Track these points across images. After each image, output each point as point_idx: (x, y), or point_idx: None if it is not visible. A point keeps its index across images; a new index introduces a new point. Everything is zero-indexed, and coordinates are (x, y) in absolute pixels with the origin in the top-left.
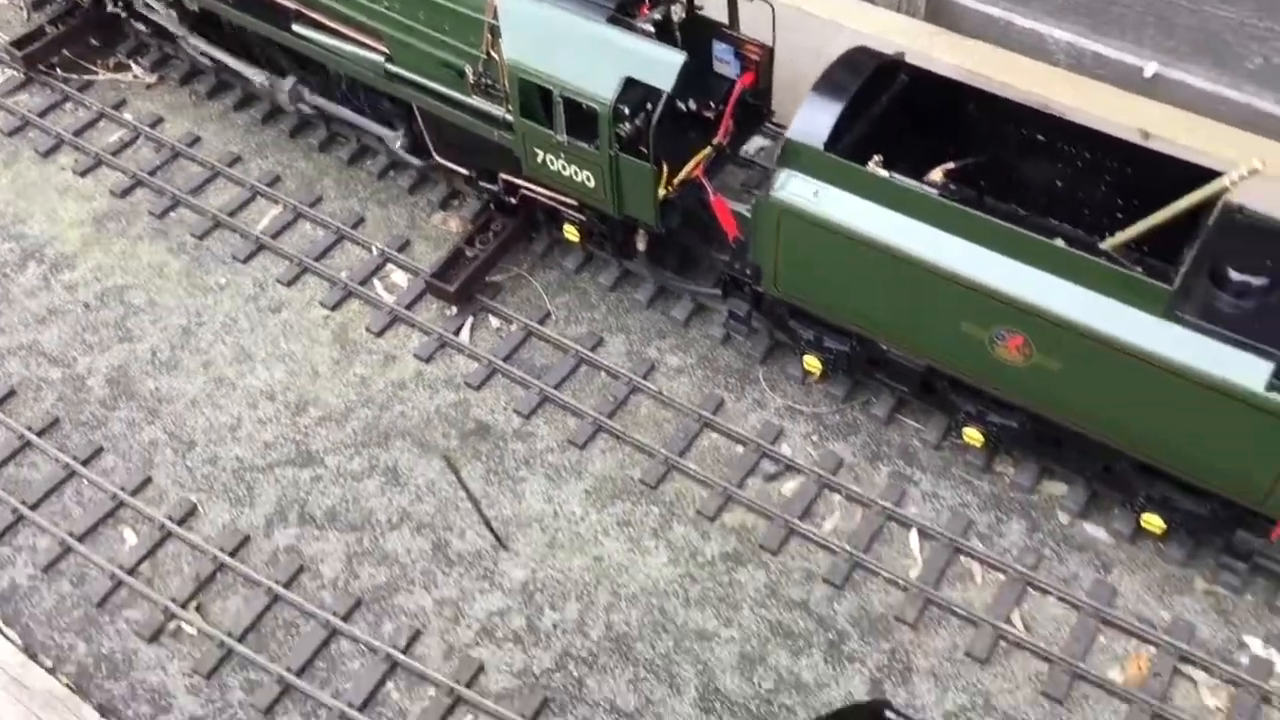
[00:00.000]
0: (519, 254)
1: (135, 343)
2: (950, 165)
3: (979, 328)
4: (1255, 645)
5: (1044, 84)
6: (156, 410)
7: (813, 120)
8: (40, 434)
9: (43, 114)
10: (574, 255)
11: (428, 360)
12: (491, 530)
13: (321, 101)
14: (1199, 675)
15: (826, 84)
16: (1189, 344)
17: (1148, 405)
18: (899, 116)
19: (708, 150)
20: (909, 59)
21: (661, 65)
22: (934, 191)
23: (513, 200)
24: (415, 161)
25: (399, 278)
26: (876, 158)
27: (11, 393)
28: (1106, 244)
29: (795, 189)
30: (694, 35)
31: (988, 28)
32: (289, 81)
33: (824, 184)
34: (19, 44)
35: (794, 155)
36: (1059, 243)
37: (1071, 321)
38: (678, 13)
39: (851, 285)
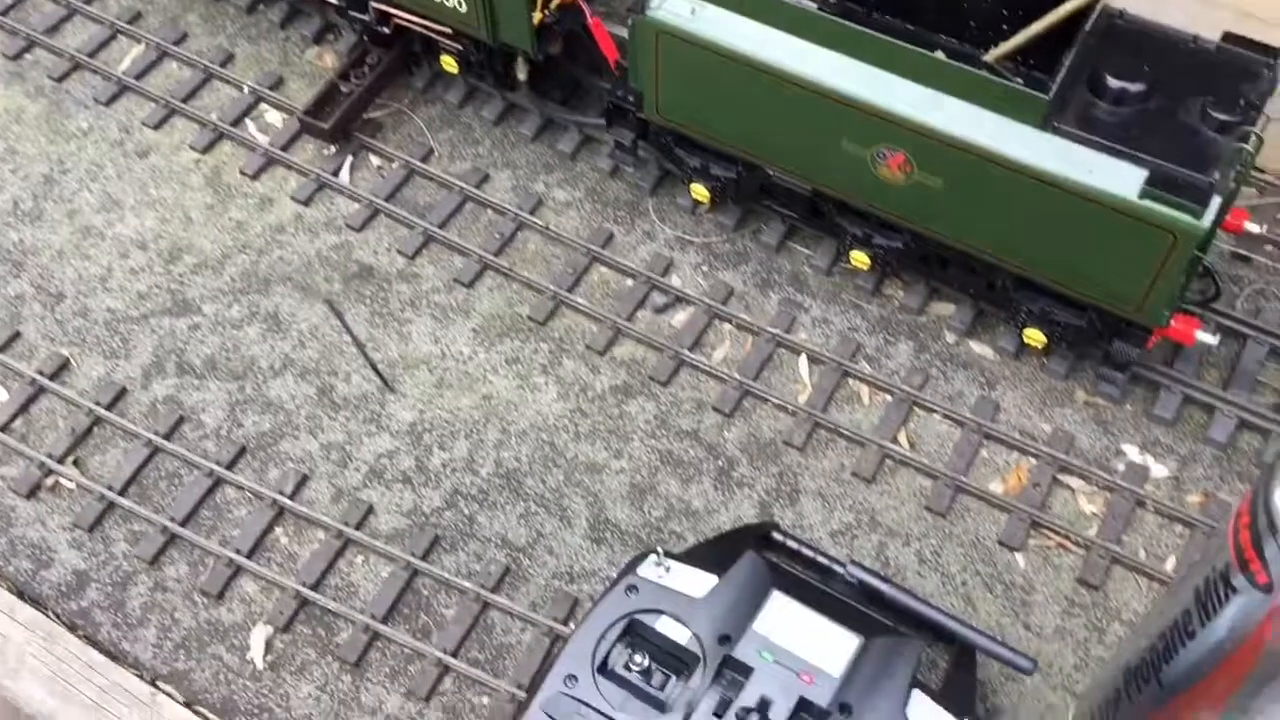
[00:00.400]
0: (399, 89)
1: None
2: None
3: (860, 146)
4: (1132, 452)
5: None
6: (21, 263)
7: None
8: None
9: None
10: (456, 89)
11: (306, 203)
12: (378, 373)
13: None
14: (1076, 483)
15: None
16: (1064, 154)
17: (1026, 219)
18: None
19: None
20: None
21: None
22: (813, 6)
23: (386, 30)
24: None
25: (273, 118)
26: None
27: None
28: (988, 56)
29: (672, 7)
30: None
31: None
32: None
33: (701, 1)
34: None
35: None
36: (938, 55)
37: (949, 136)
38: None
39: (734, 108)
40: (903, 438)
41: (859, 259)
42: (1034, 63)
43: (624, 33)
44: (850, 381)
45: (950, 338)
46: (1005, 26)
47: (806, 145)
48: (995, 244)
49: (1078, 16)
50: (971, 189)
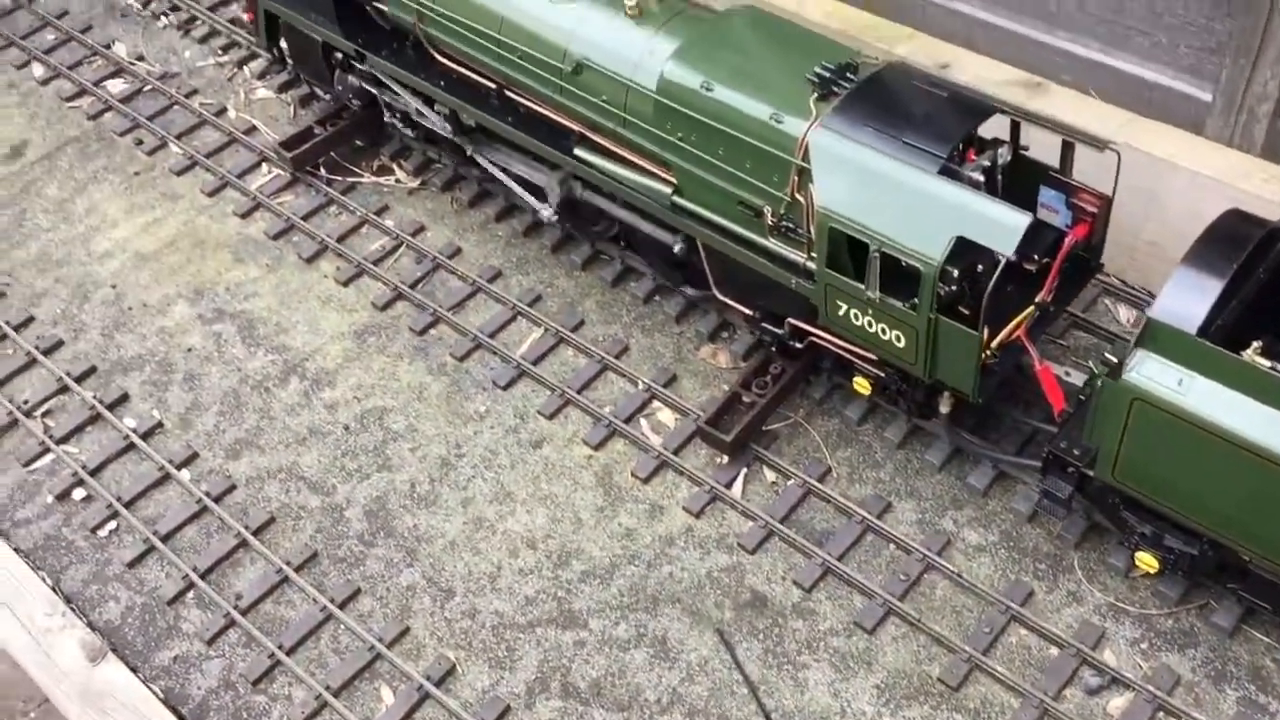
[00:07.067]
0: (795, 398)
1: (394, 472)
2: None
3: None
4: None
5: None
6: (414, 551)
7: (1183, 300)
8: (298, 569)
9: (306, 217)
10: (857, 403)
11: (698, 515)
12: None
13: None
14: None
15: (1199, 257)
16: None
17: None
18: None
19: (1031, 309)
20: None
21: (1003, 228)
22: None
23: (799, 345)
24: (689, 292)
25: (665, 417)
26: (1255, 344)
27: (271, 520)
28: None
29: (1154, 374)
30: (1018, 178)
31: None
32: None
33: (1191, 372)
34: (288, 145)
35: (1156, 337)
36: None
37: None
38: (1004, 156)
39: (1214, 486)
40: None
41: None
42: None
43: (1074, 380)
44: None
45: None
46: None
47: None
48: None
49: None
50: None
